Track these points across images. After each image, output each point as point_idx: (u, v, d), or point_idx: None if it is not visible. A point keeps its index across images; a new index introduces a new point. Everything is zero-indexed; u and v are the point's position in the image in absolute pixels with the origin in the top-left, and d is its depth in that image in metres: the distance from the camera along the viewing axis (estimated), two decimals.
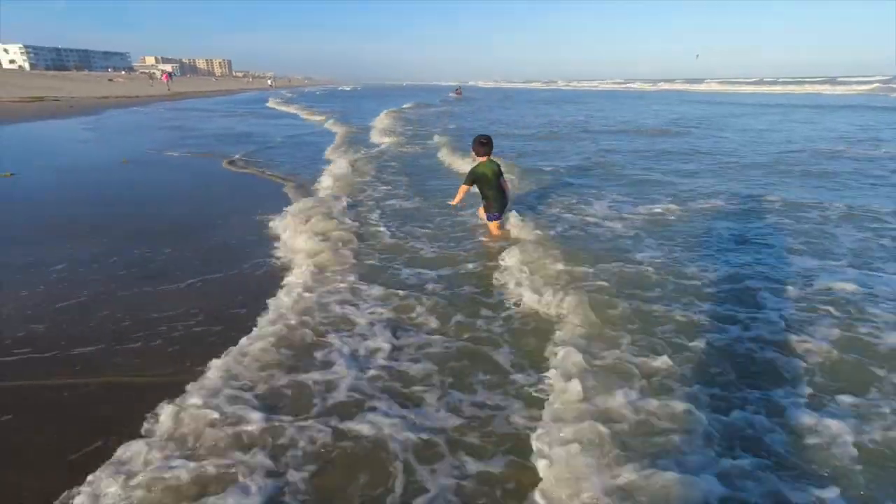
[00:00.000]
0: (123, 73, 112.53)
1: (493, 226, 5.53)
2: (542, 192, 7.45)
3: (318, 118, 22.68)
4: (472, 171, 5.29)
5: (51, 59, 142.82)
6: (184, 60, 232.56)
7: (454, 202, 5.61)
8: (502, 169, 5.43)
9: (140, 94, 40.72)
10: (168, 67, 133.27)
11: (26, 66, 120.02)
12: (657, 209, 6.46)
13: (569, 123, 19.28)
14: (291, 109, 28.96)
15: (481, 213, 5.70)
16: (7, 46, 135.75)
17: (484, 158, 5.25)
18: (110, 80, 63.58)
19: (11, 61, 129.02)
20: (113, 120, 20.42)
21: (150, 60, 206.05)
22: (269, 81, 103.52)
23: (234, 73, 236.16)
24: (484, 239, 5.45)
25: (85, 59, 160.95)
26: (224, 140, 14.06)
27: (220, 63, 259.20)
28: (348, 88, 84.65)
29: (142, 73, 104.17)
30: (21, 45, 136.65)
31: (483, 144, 5.21)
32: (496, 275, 4.41)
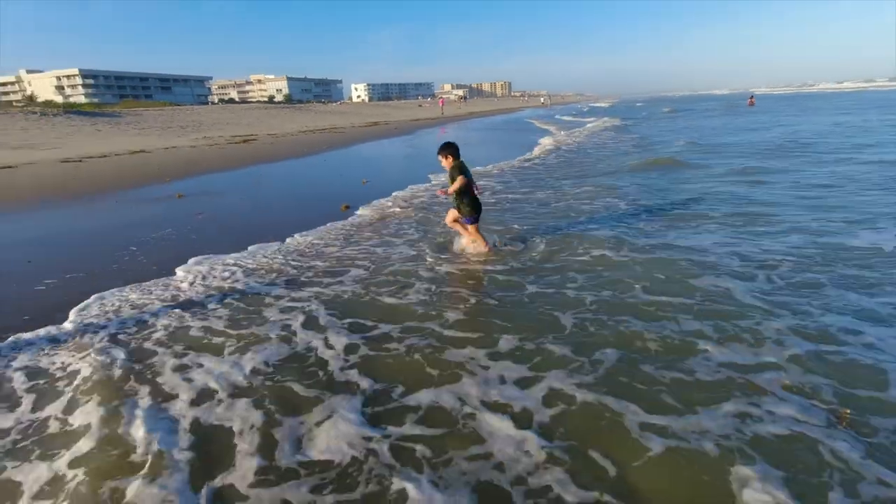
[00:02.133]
0: (429, 99, 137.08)
1: (472, 229, 5.58)
2: None
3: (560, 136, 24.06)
4: (462, 167, 5.38)
5: (381, 93, 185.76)
6: (472, 85, 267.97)
7: (452, 188, 5.32)
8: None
9: (437, 116, 49.84)
10: (460, 92, 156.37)
11: (366, 99, 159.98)
12: None
13: None
14: (544, 126, 31.37)
15: (459, 226, 5.68)
16: (357, 85, 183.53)
17: (457, 161, 5.39)
18: (419, 105, 79.18)
19: (359, 96, 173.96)
20: (422, 139, 26.17)
21: (447, 87, 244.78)
22: (541, 99, 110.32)
23: (512, 94, 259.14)
24: (468, 250, 5.71)
25: (402, 91, 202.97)
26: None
27: (501, 85, 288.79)
28: (605, 105, 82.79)
29: (445, 96, 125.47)
30: (366, 84, 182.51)
31: (450, 146, 5.40)
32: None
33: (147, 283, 5.28)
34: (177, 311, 4.50)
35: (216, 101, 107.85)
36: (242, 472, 2.48)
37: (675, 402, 2.86)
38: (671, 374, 3.15)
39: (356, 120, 42.25)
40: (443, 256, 5.75)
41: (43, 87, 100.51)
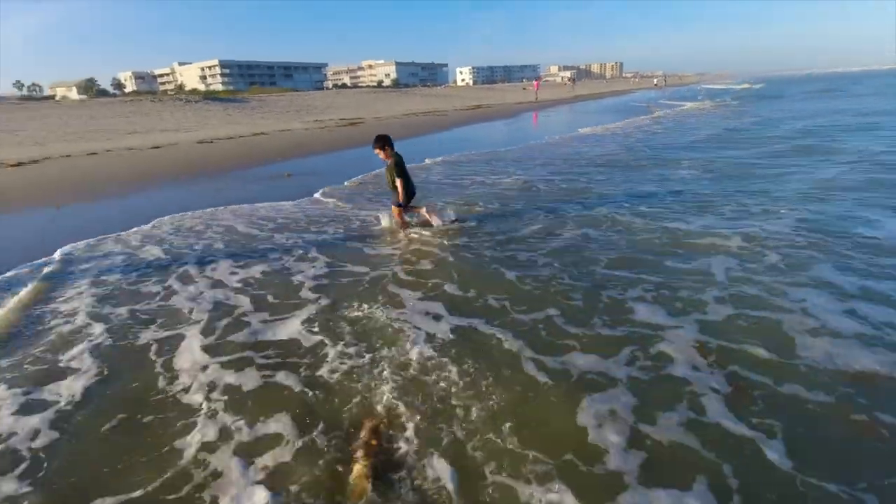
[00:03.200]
0: (534, 81, 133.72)
1: (396, 210, 6.09)
2: None
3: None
4: (399, 165, 5.76)
5: (485, 76, 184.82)
6: (580, 66, 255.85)
7: (401, 198, 5.83)
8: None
9: (540, 99, 48.27)
10: (568, 74, 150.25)
11: (471, 82, 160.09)
12: None
13: None
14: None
15: (396, 210, 6.09)
16: (462, 69, 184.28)
17: (390, 154, 5.78)
18: (524, 88, 77.30)
19: (463, 80, 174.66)
20: (523, 122, 25.48)
21: (553, 69, 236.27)
22: (654, 81, 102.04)
23: (623, 75, 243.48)
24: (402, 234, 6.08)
25: (507, 73, 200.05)
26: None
27: (611, 66, 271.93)
28: (722, 87, 73.39)
29: (550, 79, 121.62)
30: (470, 67, 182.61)
31: (383, 139, 5.79)
32: None
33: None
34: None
35: (330, 86, 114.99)
36: (218, 336, 3.78)
37: (576, 346, 3.25)
38: (582, 328, 3.48)
39: (458, 103, 42.38)
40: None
41: (190, 76, 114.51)
